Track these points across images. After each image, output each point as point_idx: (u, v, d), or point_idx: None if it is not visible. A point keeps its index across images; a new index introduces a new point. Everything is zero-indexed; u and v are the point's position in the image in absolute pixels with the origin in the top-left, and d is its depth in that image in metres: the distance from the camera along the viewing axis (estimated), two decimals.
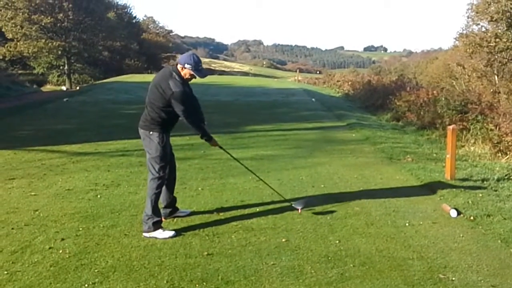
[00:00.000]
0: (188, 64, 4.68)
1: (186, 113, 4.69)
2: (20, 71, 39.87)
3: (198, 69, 4.73)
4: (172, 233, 4.71)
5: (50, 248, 4.37)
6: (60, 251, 4.29)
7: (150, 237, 4.65)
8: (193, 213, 5.38)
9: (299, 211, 5.40)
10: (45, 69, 43.62)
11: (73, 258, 4.16)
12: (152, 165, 4.78)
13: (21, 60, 41.40)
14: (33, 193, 6.10)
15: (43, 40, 38.90)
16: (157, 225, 4.73)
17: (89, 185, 6.52)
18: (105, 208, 5.53)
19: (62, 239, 4.57)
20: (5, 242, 4.50)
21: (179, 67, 4.71)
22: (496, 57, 23.23)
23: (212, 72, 65.02)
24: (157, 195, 4.80)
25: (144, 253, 4.29)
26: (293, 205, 5.49)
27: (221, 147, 5.30)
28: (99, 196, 6.03)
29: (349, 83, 29.36)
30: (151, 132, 4.78)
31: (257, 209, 5.59)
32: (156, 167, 4.76)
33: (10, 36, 37.88)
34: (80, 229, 4.86)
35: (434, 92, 17.05)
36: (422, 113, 14.91)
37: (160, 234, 4.68)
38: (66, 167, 7.64)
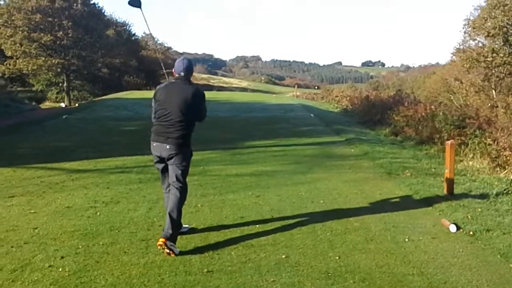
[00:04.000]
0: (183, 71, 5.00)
1: (205, 111, 5.07)
2: (19, 88, 40.08)
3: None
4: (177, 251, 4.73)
5: (49, 266, 4.35)
6: (60, 269, 4.27)
7: (170, 246, 4.61)
8: (192, 230, 5.38)
9: None
10: (44, 86, 43.79)
11: (73, 276, 4.14)
12: (182, 177, 4.95)
13: (20, 78, 41.57)
14: (32, 211, 6.10)
15: (43, 58, 39.08)
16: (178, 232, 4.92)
17: (89, 203, 6.52)
18: (104, 226, 5.52)
19: (62, 257, 4.56)
20: (4, 260, 4.48)
21: (181, 74, 4.97)
22: (494, 71, 23.42)
23: (210, 88, 65.29)
24: (183, 202, 4.97)
25: (143, 271, 4.28)
26: None
27: None
28: (98, 213, 6.02)
29: (348, 98, 29.50)
30: (184, 148, 4.95)
31: (257, 226, 5.59)
32: (184, 178, 4.99)
33: (9, 53, 38.02)
34: (80, 247, 4.85)
35: (432, 107, 17.14)
36: (420, 128, 14.98)
37: (175, 248, 4.69)
38: (65, 184, 7.65)
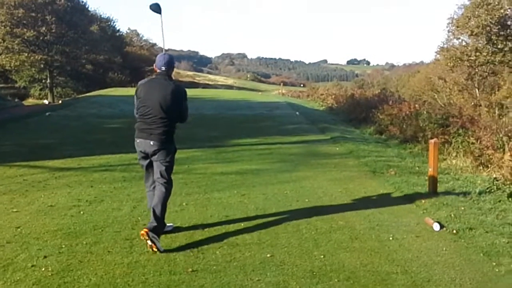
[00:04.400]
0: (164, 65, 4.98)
1: (187, 110, 5.03)
2: (1, 85, 39.65)
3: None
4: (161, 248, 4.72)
5: (32, 266, 4.30)
6: (43, 269, 4.22)
7: (152, 238, 4.61)
8: (177, 229, 5.35)
9: None
10: (27, 83, 43.33)
11: (56, 276, 4.10)
12: (166, 173, 4.99)
13: (3, 74, 41.13)
14: (15, 210, 6.02)
15: (26, 54, 38.66)
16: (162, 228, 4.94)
17: (72, 201, 6.45)
18: (88, 225, 5.47)
19: (45, 257, 4.50)
20: None
21: (162, 69, 4.95)
22: (477, 70, 23.67)
23: (196, 85, 65.05)
24: (167, 198, 4.99)
25: (127, 271, 4.25)
26: None
27: None
28: (82, 212, 5.96)
29: (333, 96, 29.61)
30: (168, 144, 4.96)
31: (242, 224, 5.58)
32: (169, 174, 5.03)
33: None
34: (63, 246, 4.80)
35: (416, 105, 17.30)
36: (404, 126, 15.08)
37: (158, 241, 4.68)
38: (48, 183, 7.56)
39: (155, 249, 4.62)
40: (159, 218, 4.82)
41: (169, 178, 5.03)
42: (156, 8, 5.55)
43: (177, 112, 4.92)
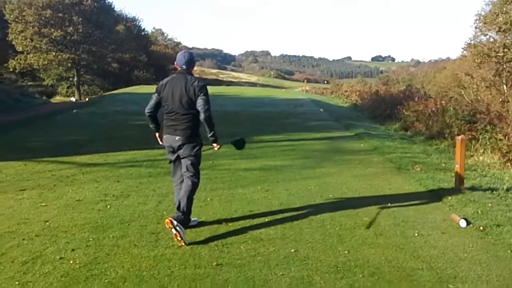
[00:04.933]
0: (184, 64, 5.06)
1: (209, 105, 4.95)
2: (30, 83, 40.31)
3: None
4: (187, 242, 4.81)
5: (60, 258, 4.40)
6: (71, 262, 4.31)
7: (176, 226, 4.68)
8: (202, 223, 5.39)
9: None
10: (54, 81, 44.05)
11: (83, 268, 4.18)
12: (193, 167, 5.07)
13: (31, 72, 41.80)
14: (43, 204, 6.16)
15: (53, 53, 39.24)
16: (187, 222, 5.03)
17: (99, 196, 6.57)
18: (114, 219, 5.56)
19: (73, 250, 4.60)
20: (16, 252, 4.53)
21: (183, 67, 5.04)
22: (505, 66, 23.17)
23: (220, 83, 65.30)
24: (194, 192, 5.08)
25: (153, 264, 4.31)
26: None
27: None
28: (108, 206, 6.07)
29: (357, 93, 29.38)
30: (193, 139, 5.03)
31: (266, 219, 5.60)
32: (196, 168, 5.10)
33: (20, 49, 38.22)
34: (90, 239, 4.89)
35: (443, 102, 17.08)
36: (430, 123, 14.92)
37: (182, 232, 4.75)
38: (76, 178, 7.71)
39: (179, 238, 4.69)
40: (185, 211, 4.91)
41: (196, 172, 5.10)
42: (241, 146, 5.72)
43: (199, 107, 4.93)
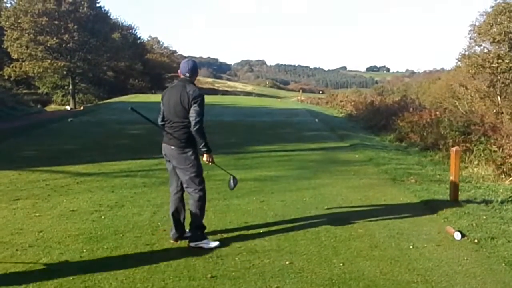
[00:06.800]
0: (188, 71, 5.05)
1: (200, 117, 4.85)
2: (24, 91, 40.11)
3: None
4: (217, 243, 5.02)
5: (54, 269, 4.35)
6: (64, 273, 4.26)
7: (196, 246, 4.88)
8: None
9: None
10: (49, 89, 43.94)
11: (77, 280, 4.14)
12: (192, 181, 4.99)
13: (26, 80, 41.70)
14: (37, 214, 6.12)
15: (48, 61, 39.19)
16: (204, 235, 5.09)
17: (93, 206, 6.54)
18: (109, 229, 5.53)
19: (66, 261, 4.57)
20: (9, 263, 4.50)
21: (186, 75, 5.03)
22: (499, 78, 23.38)
23: (215, 92, 65.37)
24: (204, 205, 5.06)
25: (147, 276, 4.28)
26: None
27: (214, 163, 5.24)
28: (103, 217, 6.04)
29: (352, 103, 29.51)
30: (187, 149, 4.96)
31: (261, 231, 5.59)
32: (196, 181, 5.00)
33: (15, 56, 38.21)
34: (84, 250, 4.86)
35: (437, 113, 17.12)
36: (425, 134, 14.96)
37: (206, 244, 4.97)
38: (70, 187, 7.67)
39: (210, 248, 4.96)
40: (197, 227, 5.04)
41: (198, 184, 5.02)
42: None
43: (190, 118, 4.86)
